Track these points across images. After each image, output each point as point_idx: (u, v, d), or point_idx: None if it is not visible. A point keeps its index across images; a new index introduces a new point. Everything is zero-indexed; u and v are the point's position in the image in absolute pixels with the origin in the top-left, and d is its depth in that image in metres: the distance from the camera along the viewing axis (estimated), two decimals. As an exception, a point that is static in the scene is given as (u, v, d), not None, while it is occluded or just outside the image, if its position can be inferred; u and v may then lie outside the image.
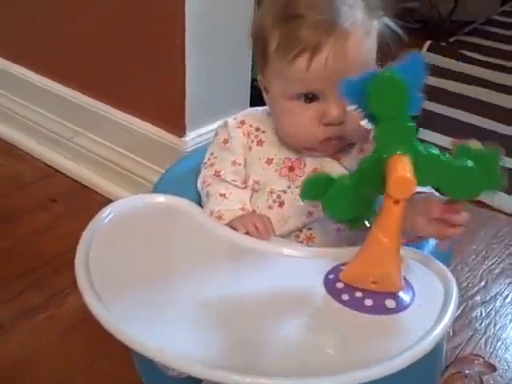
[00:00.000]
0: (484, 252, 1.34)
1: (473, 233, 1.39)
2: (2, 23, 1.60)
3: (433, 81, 2.16)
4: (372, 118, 0.66)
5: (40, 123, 1.56)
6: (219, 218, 0.82)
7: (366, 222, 0.71)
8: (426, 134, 1.71)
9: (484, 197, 1.48)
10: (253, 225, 0.78)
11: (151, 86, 1.29)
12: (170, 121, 1.27)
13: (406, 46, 2.08)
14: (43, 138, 1.56)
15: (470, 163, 0.65)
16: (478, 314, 1.17)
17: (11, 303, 1.13)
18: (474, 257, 1.32)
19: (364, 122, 0.74)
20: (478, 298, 1.21)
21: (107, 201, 1.36)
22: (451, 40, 2.52)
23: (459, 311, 1.16)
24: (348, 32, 0.75)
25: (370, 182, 0.66)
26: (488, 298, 1.22)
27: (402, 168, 0.61)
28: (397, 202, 0.62)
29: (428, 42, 2.43)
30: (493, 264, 1.31)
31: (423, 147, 0.65)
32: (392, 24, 0.80)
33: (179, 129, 1.26)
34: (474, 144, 0.67)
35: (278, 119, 0.83)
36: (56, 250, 1.23)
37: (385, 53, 0.80)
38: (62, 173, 1.51)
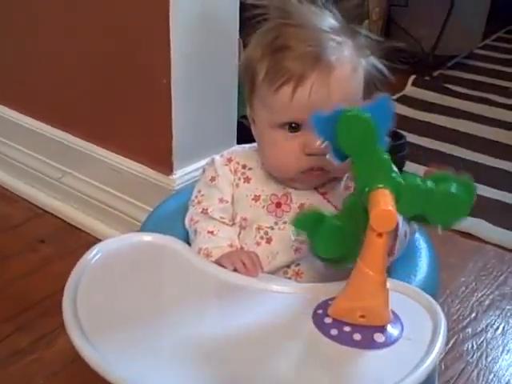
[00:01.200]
0: (473, 284, 1.34)
1: (461, 265, 1.39)
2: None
3: (418, 115, 2.19)
4: (340, 154, 0.68)
5: (28, 164, 1.56)
6: (207, 255, 0.82)
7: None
8: (413, 168, 1.73)
9: (470, 228, 1.48)
10: (240, 261, 0.79)
11: (138, 125, 1.30)
12: (157, 159, 1.28)
13: (390, 81, 2.11)
14: (31, 179, 1.56)
15: (453, 188, 0.66)
16: (470, 346, 1.17)
17: (-1, 346, 1.12)
18: (463, 289, 1.32)
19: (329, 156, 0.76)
20: (468, 330, 1.21)
21: (96, 240, 1.35)
22: (435, 74, 2.56)
23: (450, 344, 1.16)
24: (333, 66, 0.77)
25: (357, 218, 0.67)
26: (479, 329, 1.21)
27: (384, 201, 0.62)
28: (380, 235, 0.63)
29: (412, 77, 2.47)
30: (482, 296, 1.31)
31: (402, 177, 0.66)
32: (379, 64, 0.82)
33: (166, 167, 1.26)
34: (448, 172, 0.68)
35: (264, 149, 0.84)
36: (45, 292, 1.21)
37: (371, 91, 0.81)
38: (50, 213, 1.51)
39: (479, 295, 1.31)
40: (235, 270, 0.78)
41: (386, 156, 0.66)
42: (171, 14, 1.14)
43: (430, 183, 0.67)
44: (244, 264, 0.78)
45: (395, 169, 0.68)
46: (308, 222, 0.70)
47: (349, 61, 0.78)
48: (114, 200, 1.38)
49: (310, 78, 0.76)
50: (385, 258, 0.65)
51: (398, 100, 2.29)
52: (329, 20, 0.81)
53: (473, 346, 1.17)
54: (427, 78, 2.51)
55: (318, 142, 0.76)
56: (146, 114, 1.27)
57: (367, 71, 0.81)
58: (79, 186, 1.45)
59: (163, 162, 1.26)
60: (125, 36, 1.26)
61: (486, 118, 2.19)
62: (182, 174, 1.27)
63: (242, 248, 0.84)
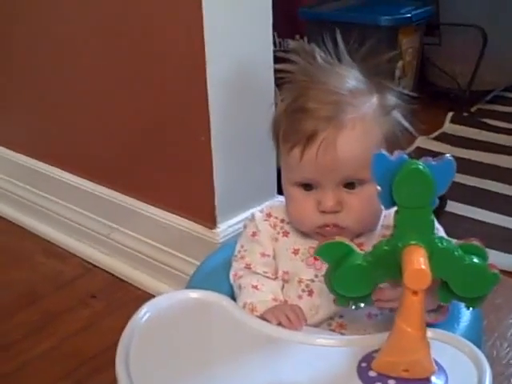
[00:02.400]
0: (523, 324, 1.32)
1: (509, 305, 1.37)
2: (37, 127, 1.68)
3: (457, 151, 2.18)
4: (388, 200, 0.68)
5: (77, 221, 1.61)
6: (252, 310, 0.84)
7: (362, 304, 0.73)
8: (453, 206, 1.72)
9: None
10: (285, 316, 0.80)
11: (181, 181, 1.34)
12: (200, 214, 1.31)
13: (428, 119, 2.12)
14: (81, 236, 1.61)
15: (477, 260, 0.67)
16: (520, 390, 1.15)
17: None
18: (512, 331, 1.31)
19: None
20: (519, 373, 1.19)
21: (145, 294, 1.40)
22: (473, 110, 2.54)
23: (501, 389, 1.15)
24: (342, 127, 0.79)
25: (384, 266, 0.68)
26: (529, 372, 1.20)
27: (417, 260, 0.63)
28: (415, 293, 0.64)
29: (450, 114, 2.47)
30: (531, 337, 1.29)
31: (439, 240, 0.67)
32: (404, 121, 0.84)
33: (210, 221, 1.30)
34: (475, 243, 0.68)
35: (286, 204, 0.87)
36: (98, 347, 1.24)
37: (393, 148, 0.83)
38: (100, 268, 1.55)
39: (528, 336, 1.30)
40: (279, 324, 0.80)
41: (432, 217, 0.67)
42: (208, 73, 1.19)
43: (462, 253, 0.67)
44: (288, 318, 0.80)
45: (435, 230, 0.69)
46: (332, 251, 0.70)
47: (363, 122, 0.80)
48: (161, 254, 1.42)
49: (318, 139, 0.79)
50: (422, 314, 0.66)
51: (437, 138, 2.28)
52: (352, 80, 0.82)
53: (523, 390, 1.15)
54: (465, 114, 2.50)
55: (331, 202, 0.80)
56: (188, 170, 1.31)
57: (388, 130, 0.83)
58: (127, 242, 1.50)
59: (207, 216, 1.30)
60: (165, 97, 1.31)
61: (527, 152, 2.17)
62: (226, 226, 1.30)
63: (285, 301, 0.86)
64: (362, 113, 0.81)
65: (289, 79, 0.85)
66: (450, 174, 0.66)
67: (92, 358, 1.24)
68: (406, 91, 0.87)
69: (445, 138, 2.28)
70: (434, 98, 2.58)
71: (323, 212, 0.82)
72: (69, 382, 1.19)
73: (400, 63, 2.21)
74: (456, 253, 0.66)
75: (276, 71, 0.88)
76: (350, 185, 0.81)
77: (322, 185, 0.81)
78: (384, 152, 0.67)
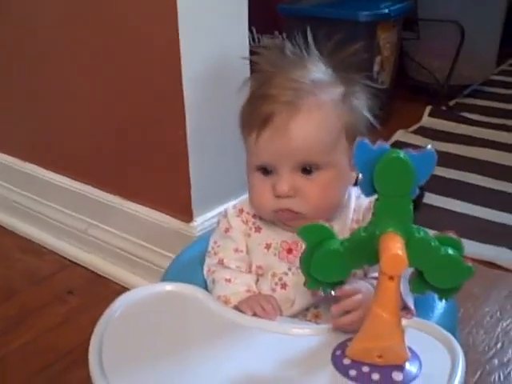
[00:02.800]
0: (498, 313, 1.33)
1: (485, 294, 1.38)
2: (13, 124, 1.67)
3: (435, 145, 2.17)
4: (368, 188, 0.68)
5: (54, 217, 1.60)
6: (226, 302, 0.84)
7: (332, 291, 0.73)
8: (431, 198, 1.73)
9: (493, 257, 1.47)
10: (260, 306, 0.80)
11: (158, 176, 1.34)
12: (177, 208, 1.31)
13: (407, 113, 2.13)
14: (58, 232, 1.60)
15: (452, 252, 0.67)
16: (497, 377, 1.16)
17: (30, 400, 1.14)
18: (488, 319, 1.32)
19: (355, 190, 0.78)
20: (495, 360, 1.20)
21: (123, 289, 1.39)
22: (451, 103, 2.56)
23: (477, 376, 1.15)
24: (298, 112, 0.80)
25: (360, 252, 0.68)
26: (505, 360, 1.20)
27: (394, 246, 0.63)
28: (391, 278, 0.64)
29: (428, 108, 2.49)
30: (508, 325, 1.30)
31: (416, 230, 0.67)
32: (367, 114, 0.85)
33: (187, 215, 1.29)
34: (451, 235, 0.68)
35: (248, 191, 0.88)
36: (74, 343, 1.24)
37: (356, 137, 0.84)
38: (77, 264, 1.54)
39: (504, 325, 1.30)
40: (254, 314, 0.80)
41: (411, 207, 0.67)
42: (183, 68, 1.18)
43: (437, 243, 0.67)
44: (263, 308, 0.80)
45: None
46: (313, 233, 0.70)
47: (320, 109, 0.81)
48: (139, 249, 1.41)
49: (273, 123, 0.80)
50: (397, 300, 0.66)
51: (416, 132, 2.30)
52: (317, 72, 0.83)
53: (500, 377, 1.16)
54: (443, 107, 2.52)
55: (284, 187, 0.80)
56: (164, 164, 1.31)
57: (349, 122, 0.83)
58: (104, 237, 1.49)
59: (183, 211, 1.29)
60: (139, 90, 1.30)
61: (505, 145, 2.18)
62: (203, 220, 1.30)
63: (259, 293, 0.86)
64: (321, 101, 0.81)
65: (257, 69, 0.86)
66: (430, 165, 0.66)
67: (68, 352, 1.23)
68: (375, 85, 0.87)
69: (423, 132, 2.30)
70: (412, 92, 2.59)
71: (278, 197, 0.82)
72: (45, 376, 1.19)
73: (378, 58, 2.22)
74: (432, 243, 0.66)
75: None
76: (306, 170, 0.81)
77: (278, 169, 0.82)
78: (366, 140, 0.67)
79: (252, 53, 1.25)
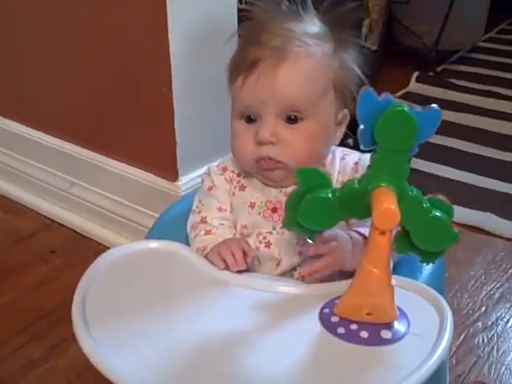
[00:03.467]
0: (482, 278, 1.34)
1: (470, 259, 1.39)
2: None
3: (423, 111, 2.18)
4: (369, 141, 0.66)
5: (35, 176, 1.57)
6: (203, 250, 0.83)
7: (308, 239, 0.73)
8: (418, 163, 1.73)
9: (479, 222, 1.48)
10: (230, 254, 0.79)
11: (143, 134, 1.31)
12: (162, 167, 1.29)
13: (394, 78, 2.12)
14: (40, 191, 1.57)
15: (442, 215, 0.66)
16: (480, 340, 1.17)
17: (13, 358, 1.13)
18: (472, 283, 1.32)
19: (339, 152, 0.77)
20: (479, 324, 1.21)
21: (106, 249, 1.34)
22: (439, 69, 2.55)
23: (461, 338, 1.16)
24: (286, 58, 0.78)
25: (350, 204, 0.67)
26: (489, 323, 1.21)
27: (387, 201, 0.62)
28: (383, 233, 0.63)
29: (416, 73, 2.47)
30: (492, 289, 1.31)
31: (410, 188, 0.66)
32: (357, 70, 0.83)
33: (172, 174, 1.28)
34: (442, 198, 0.67)
35: (231, 142, 0.86)
36: (57, 302, 1.23)
37: (345, 97, 0.83)
38: (59, 224, 1.52)
39: (489, 289, 1.31)
40: (226, 267, 0.78)
41: (408, 164, 0.66)
42: (170, 25, 1.16)
43: (429, 204, 0.66)
44: (233, 256, 0.78)
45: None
46: (310, 176, 0.69)
47: (309, 59, 0.79)
48: (123, 208, 1.39)
49: (260, 67, 0.78)
50: (388, 256, 0.65)
51: (402, 97, 2.28)
52: (312, 26, 0.82)
53: (483, 340, 1.17)
54: (431, 73, 2.50)
55: (266, 133, 0.79)
56: (149, 122, 1.28)
57: (339, 78, 0.82)
58: (87, 196, 1.47)
59: (168, 169, 1.28)
60: (126, 48, 1.27)
61: (492, 111, 2.18)
62: (188, 179, 1.28)
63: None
64: (311, 51, 0.80)
65: (250, 17, 0.84)
66: (434, 123, 0.65)
67: (51, 311, 1.22)
68: (367, 45, 0.86)
69: (410, 97, 2.28)
70: (400, 57, 2.57)
71: (260, 143, 0.81)
72: (27, 335, 1.18)
73: (367, 21, 2.19)
74: (424, 204, 0.66)
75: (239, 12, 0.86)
76: (290, 120, 0.80)
77: (262, 116, 0.80)
78: (371, 90, 0.65)
79: (240, 11, 1.23)
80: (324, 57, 0.81)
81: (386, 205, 0.62)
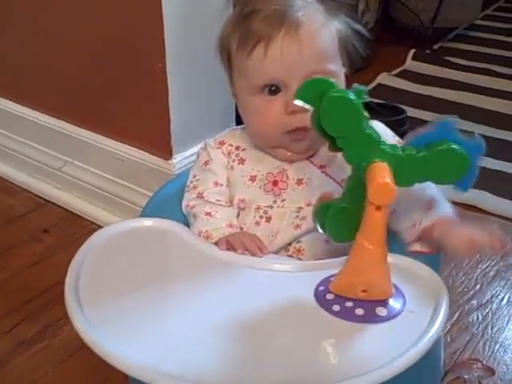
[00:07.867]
0: (477, 255, 1.34)
1: (466, 237, 1.39)
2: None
3: (419, 88, 2.18)
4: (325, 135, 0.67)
5: (28, 154, 1.56)
6: (207, 237, 0.82)
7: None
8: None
9: (474, 200, 1.47)
10: (242, 246, 0.78)
11: (137, 112, 1.30)
12: (156, 145, 1.28)
13: (390, 55, 2.10)
14: (32, 170, 1.56)
15: (445, 146, 0.66)
16: (475, 317, 1.17)
17: (6, 337, 1.12)
18: (467, 261, 1.32)
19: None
20: (474, 301, 1.21)
21: (99, 228, 1.35)
22: (435, 47, 2.54)
23: (455, 316, 1.16)
24: (300, 22, 0.77)
25: (360, 198, 0.66)
26: (484, 301, 1.21)
27: (381, 175, 0.61)
28: (379, 208, 0.62)
29: (412, 51, 2.46)
30: (487, 267, 1.31)
31: (394, 150, 0.66)
32: (354, 24, 0.82)
33: (166, 152, 1.26)
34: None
35: (248, 119, 0.84)
36: (50, 281, 1.22)
37: (349, 52, 0.82)
38: (52, 203, 1.51)
39: (484, 267, 1.31)
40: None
41: (372, 130, 0.66)
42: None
43: (423, 150, 0.66)
44: (245, 247, 0.78)
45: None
46: (312, 89, 0.67)
47: (317, 18, 0.79)
48: (116, 187, 1.38)
49: (279, 37, 0.77)
50: (384, 232, 0.64)
51: (399, 75, 2.27)
52: None
53: (478, 318, 1.17)
54: (427, 51, 2.49)
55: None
56: (143, 99, 1.27)
57: (341, 30, 0.81)
58: (80, 175, 1.46)
59: (162, 147, 1.26)
60: (118, 23, 1.25)
61: (488, 89, 2.17)
62: (182, 158, 1.27)
63: (241, 229, 0.84)
64: (314, 11, 0.79)
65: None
66: (478, 152, 0.69)
67: (44, 291, 1.22)
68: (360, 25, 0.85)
69: (406, 75, 2.28)
70: (396, 35, 2.55)
71: (292, 113, 0.78)
72: (20, 314, 1.17)
73: (364, -3, 2.18)
74: (416, 154, 0.66)
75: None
76: None
77: (289, 85, 0.78)
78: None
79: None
80: (325, 12, 0.80)
81: (381, 179, 0.61)
